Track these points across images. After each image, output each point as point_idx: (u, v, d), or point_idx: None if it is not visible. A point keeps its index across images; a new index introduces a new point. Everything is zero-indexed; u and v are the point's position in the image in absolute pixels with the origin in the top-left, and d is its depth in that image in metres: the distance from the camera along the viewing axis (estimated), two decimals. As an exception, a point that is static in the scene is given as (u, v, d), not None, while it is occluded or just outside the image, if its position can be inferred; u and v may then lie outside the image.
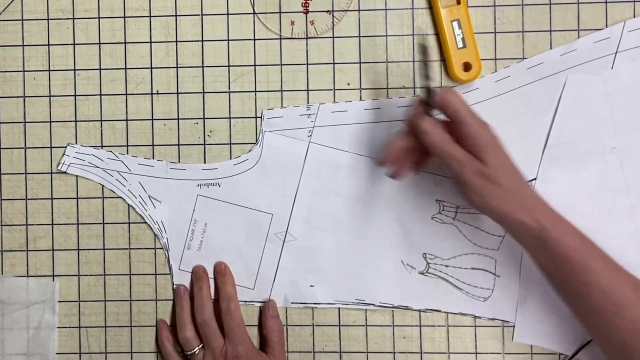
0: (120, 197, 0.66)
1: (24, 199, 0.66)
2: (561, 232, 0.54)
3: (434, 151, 0.55)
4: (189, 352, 0.63)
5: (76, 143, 0.66)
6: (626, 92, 0.62)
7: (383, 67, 0.64)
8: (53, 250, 0.66)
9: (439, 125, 0.56)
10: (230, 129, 0.65)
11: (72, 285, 0.66)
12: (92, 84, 0.65)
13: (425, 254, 0.64)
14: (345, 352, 0.65)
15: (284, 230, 0.64)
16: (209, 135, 0.65)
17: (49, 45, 0.65)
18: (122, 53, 0.65)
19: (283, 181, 0.64)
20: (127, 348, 0.66)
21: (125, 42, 0.65)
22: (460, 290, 0.64)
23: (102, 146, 0.66)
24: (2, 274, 0.66)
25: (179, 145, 0.65)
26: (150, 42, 0.65)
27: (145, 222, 0.65)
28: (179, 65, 0.65)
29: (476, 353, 0.64)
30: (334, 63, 0.64)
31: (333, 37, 0.64)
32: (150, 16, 0.65)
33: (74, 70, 0.65)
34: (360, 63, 0.64)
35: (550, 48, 0.63)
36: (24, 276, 0.66)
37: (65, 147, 0.65)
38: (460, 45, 0.62)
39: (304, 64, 0.65)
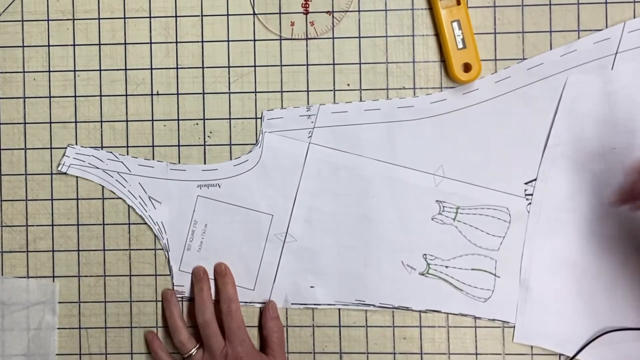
0: (120, 198, 0.66)
1: (24, 200, 0.66)
2: None
3: None
4: (186, 355, 0.63)
5: (76, 144, 0.66)
6: (626, 92, 0.62)
7: (383, 68, 0.64)
8: (53, 251, 0.66)
9: None
10: (230, 130, 0.65)
11: (73, 286, 0.66)
12: (92, 84, 0.65)
13: (425, 254, 0.64)
14: (346, 352, 0.65)
15: (284, 231, 0.64)
16: (209, 136, 0.65)
17: (49, 46, 0.65)
18: (122, 54, 0.65)
19: (283, 182, 0.64)
20: (127, 349, 0.66)
21: (125, 43, 0.65)
22: (460, 291, 0.64)
23: (102, 147, 0.66)
24: (2, 274, 0.66)
25: (179, 146, 0.65)
26: (150, 42, 0.65)
27: (146, 223, 0.65)
28: (179, 66, 0.65)
29: (476, 354, 0.64)
30: (334, 64, 0.64)
31: (333, 38, 0.64)
32: (150, 17, 0.65)
33: (74, 71, 0.65)
34: (360, 64, 0.64)
35: (550, 49, 0.63)
36: (24, 277, 0.66)
37: (66, 148, 0.65)
38: (460, 46, 0.62)
39: (304, 65, 0.65)
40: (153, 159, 0.65)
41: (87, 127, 0.66)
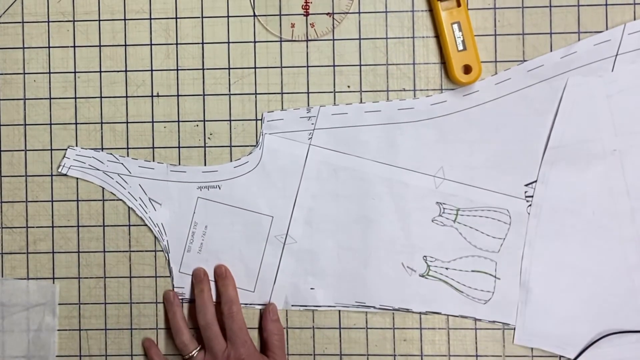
0: (120, 200, 0.65)
1: (24, 202, 0.66)
2: None
3: None
4: (187, 356, 0.63)
5: (76, 145, 0.66)
6: (627, 94, 0.62)
7: (383, 70, 0.64)
8: (53, 252, 0.66)
9: None
10: (230, 132, 0.65)
11: (73, 287, 0.66)
12: (93, 86, 0.65)
13: (425, 256, 0.64)
14: (346, 354, 0.65)
15: (284, 233, 0.64)
16: (209, 138, 0.65)
17: (49, 47, 0.65)
18: (122, 55, 0.65)
19: (283, 183, 0.64)
20: (127, 351, 0.66)
21: (125, 45, 0.65)
22: (460, 293, 0.64)
23: (102, 148, 0.66)
24: (2, 276, 0.66)
25: (179, 147, 0.65)
26: (151, 44, 0.65)
27: (146, 225, 0.65)
28: (179, 68, 0.65)
29: (477, 356, 0.64)
30: (334, 65, 0.64)
31: (333, 40, 0.64)
32: (150, 18, 0.65)
33: (74, 72, 0.65)
34: (360, 65, 0.64)
35: (551, 50, 0.63)
36: (24, 279, 0.66)
37: (66, 149, 0.65)
38: (461, 47, 0.62)
39: (304, 67, 0.65)
40: (153, 161, 0.65)
41: (87, 129, 0.66)
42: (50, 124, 0.66)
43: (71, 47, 0.65)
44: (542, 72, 0.63)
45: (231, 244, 0.65)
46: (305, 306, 0.65)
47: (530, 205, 0.63)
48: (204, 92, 0.65)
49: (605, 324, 0.62)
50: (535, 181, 0.63)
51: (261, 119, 0.65)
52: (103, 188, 0.66)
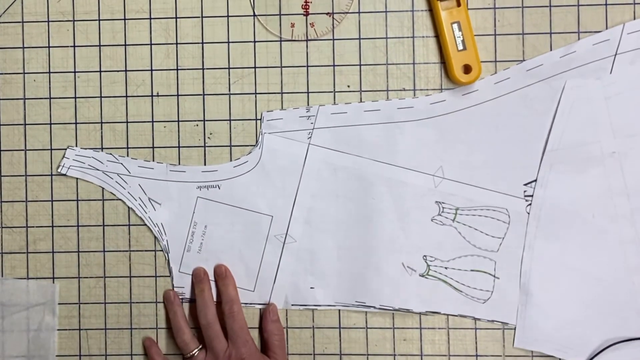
0: (120, 200, 0.65)
1: (24, 201, 0.66)
2: None
3: None
4: (188, 355, 0.63)
5: (76, 145, 0.66)
6: (625, 96, 0.62)
7: (383, 69, 0.64)
8: (53, 252, 0.66)
9: None
10: (230, 131, 0.65)
11: (72, 287, 0.66)
12: (93, 86, 0.65)
13: (425, 256, 0.64)
14: (346, 354, 0.65)
15: (284, 232, 0.64)
16: (209, 138, 0.65)
17: (49, 47, 0.65)
18: (122, 55, 0.65)
19: (283, 183, 0.64)
20: (127, 350, 0.66)
21: (125, 44, 0.65)
22: (459, 292, 0.64)
23: (102, 148, 0.66)
24: (2, 276, 0.66)
25: (179, 147, 0.65)
26: (151, 44, 0.65)
27: (146, 225, 0.65)
28: (179, 68, 0.65)
29: (477, 355, 0.64)
30: (334, 65, 0.64)
31: (333, 39, 0.64)
32: (150, 18, 0.65)
33: (74, 72, 0.65)
34: (360, 65, 0.64)
35: (551, 50, 0.63)
36: (24, 278, 0.66)
37: (65, 149, 0.65)
38: (461, 47, 0.62)
39: (304, 66, 0.65)
40: (153, 161, 0.65)
41: (87, 129, 0.66)
42: (50, 124, 0.66)
43: (71, 46, 0.65)
44: (541, 71, 0.63)
45: (231, 243, 0.65)
46: (305, 305, 0.65)
47: (529, 204, 0.63)
48: (203, 91, 0.65)
49: (606, 327, 0.62)
50: (534, 180, 0.63)
51: (261, 119, 0.65)
52: (103, 188, 0.66)
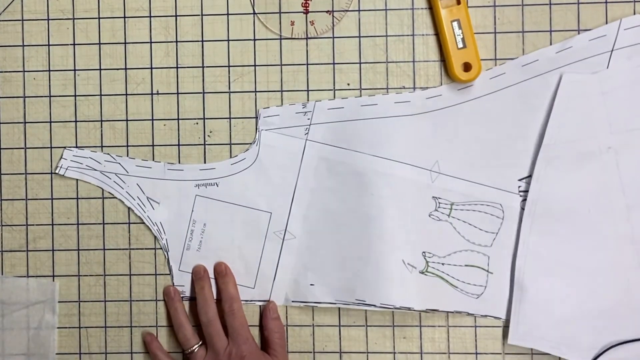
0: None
1: (24, 199, 0.66)
2: None
3: None
4: (189, 351, 0.63)
5: (76, 143, 0.66)
6: (622, 91, 0.62)
7: (383, 67, 0.64)
8: (53, 250, 0.66)
9: None
10: (230, 129, 0.65)
11: (72, 285, 0.66)
12: (92, 84, 0.66)
13: (424, 252, 0.64)
14: (346, 352, 0.65)
15: (283, 229, 0.64)
16: (209, 136, 0.65)
17: (49, 45, 0.66)
18: (122, 53, 0.65)
19: (281, 179, 0.64)
20: (127, 348, 0.66)
21: (125, 43, 0.65)
22: (455, 288, 0.64)
23: (102, 147, 0.66)
24: (2, 274, 0.66)
25: (179, 145, 0.65)
26: (150, 42, 0.65)
27: (145, 223, 0.65)
28: (179, 66, 0.65)
29: (476, 353, 0.64)
30: (334, 63, 0.64)
31: (333, 37, 0.64)
32: (150, 16, 0.65)
33: (74, 70, 0.65)
34: (360, 63, 0.64)
35: (550, 48, 0.63)
36: (24, 276, 0.66)
37: (63, 149, 0.65)
38: (460, 45, 0.62)
39: (304, 64, 0.65)
40: (153, 159, 0.65)
41: (87, 127, 0.66)
42: (50, 122, 0.66)
43: (71, 45, 0.66)
44: (537, 66, 0.63)
45: (230, 241, 0.65)
46: (306, 302, 0.65)
47: (524, 199, 0.63)
48: (203, 89, 0.65)
49: (600, 323, 0.62)
50: (529, 176, 0.63)
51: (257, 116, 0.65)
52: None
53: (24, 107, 0.66)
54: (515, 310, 0.63)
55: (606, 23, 0.63)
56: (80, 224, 0.66)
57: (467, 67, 0.62)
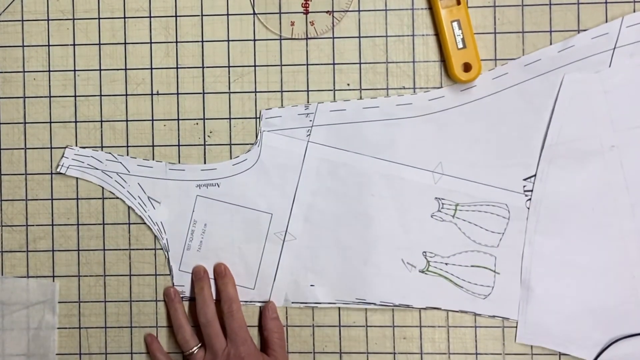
0: (119, 198, 0.65)
1: (24, 200, 0.66)
2: None
3: None
4: (188, 352, 0.63)
5: (76, 144, 0.66)
6: (624, 90, 0.62)
7: (383, 68, 0.64)
8: (53, 250, 0.66)
9: None
10: (230, 130, 0.65)
11: (72, 285, 0.66)
12: (92, 84, 0.66)
13: (425, 252, 0.64)
14: (346, 352, 0.65)
15: (283, 230, 0.64)
16: (209, 136, 0.65)
17: (49, 45, 0.65)
18: (122, 54, 0.65)
19: (282, 181, 0.64)
20: (127, 349, 0.66)
21: (125, 43, 0.65)
22: (460, 288, 0.64)
23: (102, 147, 0.66)
24: (2, 274, 0.66)
25: (179, 145, 0.65)
26: (150, 42, 0.65)
27: (145, 223, 0.65)
28: (179, 66, 0.65)
29: (476, 354, 0.64)
30: (334, 63, 0.64)
31: (333, 38, 0.64)
32: (150, 17, 0.65)
33: (74, 70, 0.65)
34: (360, 63, 0.64)
35: (550, 48, 0.63)
36: (24, 277, 0.66)
37: (64, 148, 0.65)
38: (460, 45, 0.62)
39: (304, 65, 0.65)
40: (153, 159, 0.65)
41: (87, 127, 0.66)
42: (50, 122, 0.66)
43: (71, 45, 0.66)
44: (540, 66, 0.63)
45: (231, 241, 0.65)
46: (306, 303, 0.65)
47: (529, 199, 0.63)
48: (203, 90, 0.65)
49: (607, 320, 0.62)
50: (534, 175, 0.63)
51: (260, 117, 0.65)
52: (102, 187, 0.66)
53: (24, 108, 0.66)
54: (522, 309, 0.63)
55: (606, 22, 0.63)
56: (80, 224, 0.66)
57: (467, 67, 0.62)
